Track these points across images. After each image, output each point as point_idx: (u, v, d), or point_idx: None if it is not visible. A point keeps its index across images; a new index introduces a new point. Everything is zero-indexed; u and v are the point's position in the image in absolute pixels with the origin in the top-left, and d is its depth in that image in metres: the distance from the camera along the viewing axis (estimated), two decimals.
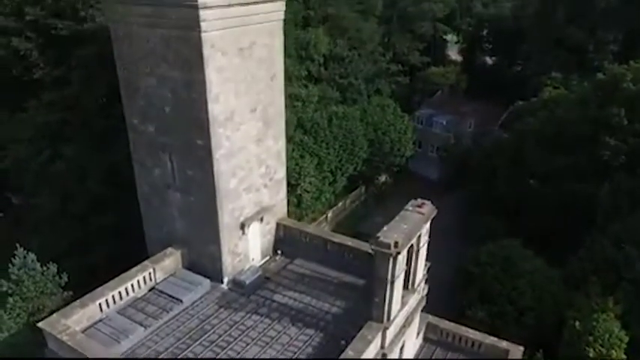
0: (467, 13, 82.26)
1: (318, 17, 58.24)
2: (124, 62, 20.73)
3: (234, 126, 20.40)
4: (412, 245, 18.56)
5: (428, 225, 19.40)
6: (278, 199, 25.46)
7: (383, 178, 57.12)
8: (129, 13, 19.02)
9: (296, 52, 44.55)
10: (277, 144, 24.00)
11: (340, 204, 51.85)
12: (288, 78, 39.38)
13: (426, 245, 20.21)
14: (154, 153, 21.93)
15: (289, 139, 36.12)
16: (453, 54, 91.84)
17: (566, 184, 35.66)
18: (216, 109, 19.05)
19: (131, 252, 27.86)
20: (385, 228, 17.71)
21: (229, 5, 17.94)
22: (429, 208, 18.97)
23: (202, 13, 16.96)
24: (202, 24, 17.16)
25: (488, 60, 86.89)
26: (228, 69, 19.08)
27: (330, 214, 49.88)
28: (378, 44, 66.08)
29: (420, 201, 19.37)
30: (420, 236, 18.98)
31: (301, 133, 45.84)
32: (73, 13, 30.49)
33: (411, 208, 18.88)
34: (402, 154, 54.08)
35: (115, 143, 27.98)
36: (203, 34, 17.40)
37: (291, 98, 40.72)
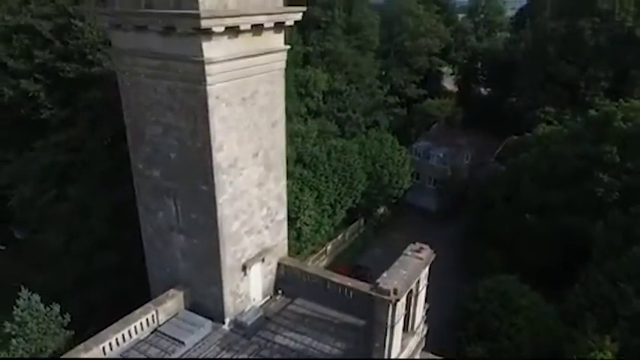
0: (462, 46, 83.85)
1: (317, 53, 59.62)
2: (131, 110, 21.29)
3: (237, 171, 20.85)
4: (411, 290, 18.80)
5: (427, 270, 19.67)
6: (279, 239, 25.79)
7: (381, 210, 57.45)
8: (136, 64, 19.64)
9: (296, 89, 45.39)
10: (278, 186, 24.44)
11: (339, 236, 52.05)
12: (288, 115, 40.19)
13: (425, 289, 20.45)
14: (159, 197, 22.32)
15: (289, 175, 36.64)
16: (449, 85, 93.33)
17: (561, 218, 36.03)
18: (219, 156, 19.52)
19: (133, 290, 28.10)
20: (385, 274, 17.97)
21: (233, 59, 18.57)
22: (427, 253, 19.28)
23: (208, 68, 17.57)
24: (208, 78, 17.75)
25: (483, 91, 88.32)
26: (232, 118, 19.64)
27: (329, 247, 50.03)
28: (375, 78, 67.38)
29: (418, 245, 19.69)
30: (419, 281, 19.24)
31: (301, 167, 46.38)
32: (80, 56, 31.29)
33: (409, 253, 19.19)
34: (400, 186, 54.57)
35: (120, 183, 28.40)
36: (208, 87, 17.98)
37: (291, 134, 41.41)
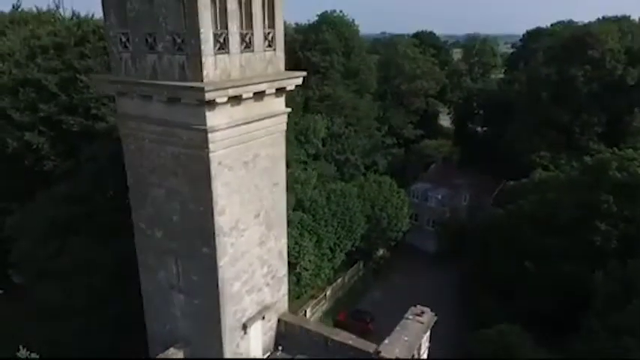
0: (457, 87, 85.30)
1: (317, 97, 60.47)
2: (134, 172, 21.38)
3: (238, 233, 20.80)
4: (413, 355, 18.52)
5: (428, 333, 19.43)
6: (279, 295, 25.53)
7: (380, 252, 57.16)
8: (141, 129, 19.83)
9: (295, 137, 45.78)
10: (279, 243, 24.36)
11: (339, 280, 51.59)
12: (288, 162, 40.46)
13: (426, 352, 20.16)
14: (160, 256, 22.19)
15: (289, 223, 36.61)
16: (446, 122, 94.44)
17: (560, 266, 35.83)
18: (221, 220, 19.51)
19: (133, 344, 27.66)
20: (386, 341, 17.74)
21: (235, 125, 18.79)
22: (428, 317, 19.08)
23: (211, 136, 17.75)
24: (210, 145, 17.91)
25: (480, 130, 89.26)
26: (234, 182, 19.72)
27: (329, 292, 49.51)
28: (373, 119, 68.16)
29: (419, 309, 19.51)
30: (420, 344, 18.98)
31: (300, 212, 46.35)
32: (85, 110, 31.69)
33: (411, 317, 18.99)
34: (399, 229, 54.48)
35: (122, 237, 28.27)
36: (211, 154, 18.12)
37: (290, 181, 41.54)
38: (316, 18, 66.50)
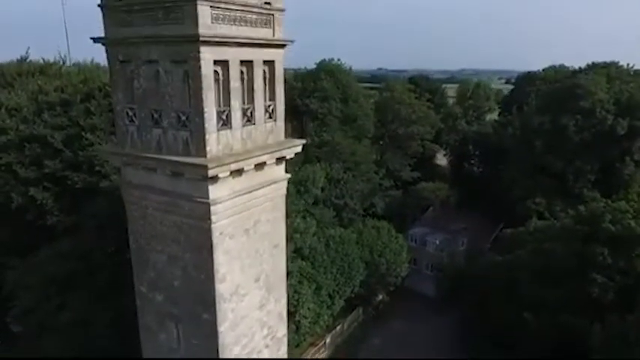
0: (452, 129, 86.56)
1: (315, 143, 61.36)
2: (137, 237, 21.64)
3: (238, 298, 20.92)
4: None
5: None
6: (279, 354, 25.42)
7: (380, 297, 56.84)
8: (145, 198, 20.22)
9: (295, 187, 46.24)
10: (279, 305, 24.43)
11: (338, 327, 51.14)
12: (287, 214, 40.82)
13: None
14: (161, 319, 22.22)
15: (288, 273, 36.64)
16: (443, 161, 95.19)
17: (559, 317, 35.70)
18: (222, 287, 19.67)
19: None
20: None
21: (237, 196, 19.20)
22: None
23: (213, 208, 18.12)
24: (213, 217, 18.26)
25: (476, 170, 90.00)
26: (235, 249, 19.97)
27: (328, 339, 49.01)
28: (371, 162, 68.95)
29: None
30: None
31: (299, 260, 46.38)
32: (89, 167, 32.19)
33: None
34: (398, 274, 54.44)
35: (123, 294, 28.32)
36: (213, 225, 18.44)
37: (290, 231, 41.75)
38: (315, 63, 68.40)
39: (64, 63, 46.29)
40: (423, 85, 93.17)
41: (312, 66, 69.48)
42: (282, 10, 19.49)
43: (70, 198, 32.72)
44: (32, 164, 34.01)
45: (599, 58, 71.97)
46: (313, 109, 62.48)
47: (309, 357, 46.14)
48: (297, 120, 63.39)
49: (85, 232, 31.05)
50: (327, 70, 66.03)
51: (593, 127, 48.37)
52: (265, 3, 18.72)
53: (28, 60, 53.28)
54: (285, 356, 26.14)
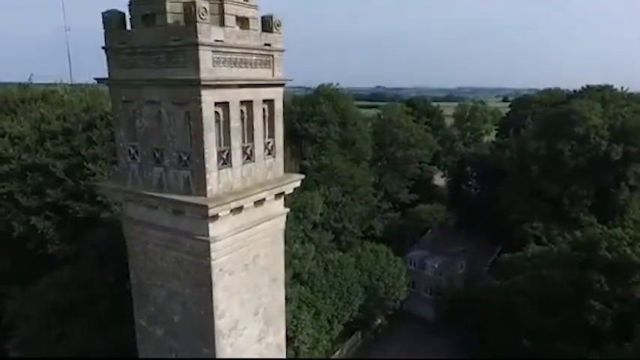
0: (450, 151, 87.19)
1: (314, 167, 61.73)
2: (137, 272, 21.73)
3: (237, 332, 20.92)
4: None
5: None
6: None
7: (378, 321, 56.61)
8: (145, 234, 20.36)
9: (294, 214, 46.43)
10: (278, 337, 24.39)
11: (337, 352, 50.84)
12: (286, 240, 40.93)
13: None
14: (160, 353, 22.18)
15: (287, 299, 36.61)
16: (441, 181, 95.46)
17: (557, 344, 35.60)
18: (221, 323, 19.70)
19: None
20: None
21: (236, 232, 19.38)
22: None
23: (213, 246, 18.26)
24: (212, 254, 18.38)
25: (474, 191, 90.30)
26: (234, 285, 20.05)
27: None
28: (370, 185, 69.24)
29: None
30: None
31: (298, 285, 46.33)
32: (90, 196, 32.36)
33: None
34: (397, 298, 54.33)
35: (123, 324, 28.28)
36: (213, 262, 18.56)
37: (288, 258, 41.79)
38: (309, 87, 69.19)
39: (66, 91, 46.62)
40: (421, 107, 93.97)
41: (311, 84, 70.37)
42: (282, 51, 19.94)
43: (71, 227, 32.83)
44: (34, 193, 34.19)
45: (597, 77, 72.91)
46: (312, 133, 63.03)
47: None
48: (296, 144, 63.85)
49: (85, 262, 31.09)
50: (326, 94, 66.78)
51: (588, 152, 48.80)
52: (265, 45, 19.16)
53: (30, 82, 54.01)
54: None
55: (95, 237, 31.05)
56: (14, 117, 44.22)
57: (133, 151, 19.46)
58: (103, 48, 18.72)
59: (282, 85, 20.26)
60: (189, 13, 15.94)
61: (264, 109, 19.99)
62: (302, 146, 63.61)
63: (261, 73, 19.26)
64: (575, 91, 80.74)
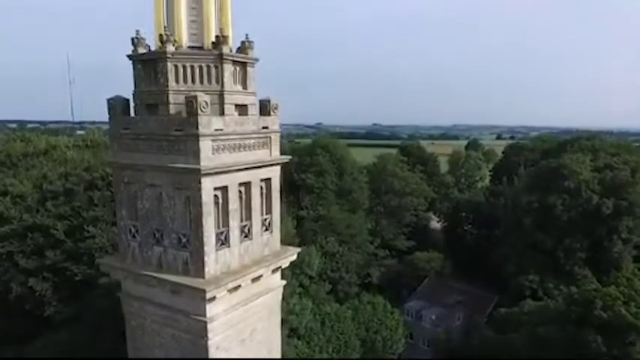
0: (445, 198, 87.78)
1: (311, 217, 62.08)
2: (135, 344, 21.60)
3: None
4: None
5: None
6: None
7: None
8: (143, 310, 20.40)
9: (291, 270, 46.47)
10: None
11: None
12: (283, 295, 40.83)
13: None
14: None
15: (284, 355, 36.16)
16: (437, 224, 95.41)
17: None
18: None
19: None
20: None
21: (233, 310, 19.49)
22: None
23: (210, 326, 18.33)
24: (209, 334, 18.41)
25: (470, 237, 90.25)
26: None
27: None
28: (366, 233, 69.38)
29: None
30: None
31: (295, 339, 45.84)
32: (89, 259, 32.50)
33: None
34: (394, 351, 53.61)
35: None
36: (209, 342, 18.60)
37: (285, 313, 41.54)
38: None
39: (68, 147, 47.37)
40: (416, 153, 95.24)
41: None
42: (279, 132, 20.64)
43: (69, 289, 32.85)
44: (33, 253, 34.36)
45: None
46: (309, 184, 63.68)
47: None
48: (293, 194, 64.47)
49: (83, 325, 30.92)
50: (323, 145, 67.82)
51: (580, 206, 49.36)
52: (263, 127, 19.86)
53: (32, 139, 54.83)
54: None
55: (93, 300, 30.97)
56: (16, 172, 44.84)
57: (133, 230, 19.80)
58: (108, 134, 19.37)
59: (279, 164, 20.85)
60: (191, 106, 16.64)
61: (261, 187, 20.52)
62: (299, 196, 64.15)
63: (259, 155, 19.86)
64: (565, 140, 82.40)
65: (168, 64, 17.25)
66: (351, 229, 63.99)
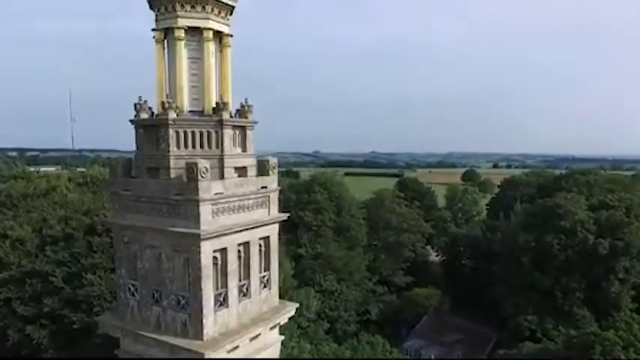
0: (443, 232, 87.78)
1: (309, 256, 61.98)
2: None
3: None
4: None
5: None
6: None
7: None
8: None
9: None
10: None
11: None
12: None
13: None
14: None
15: None
16: (435, 258, 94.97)
17: None
18: None
19: None
20: None
21: None
22: None
23: None
24: None
25: (468, 271, 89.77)
26: None
27: None
28: (365, 270, 69.10)
29: None
30: None
31: None
32: (87, 306, 32.30)
33: None
34: None
35: None
36: None
37: (283, 356, 41.03)
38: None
39: (69, 189, 47.58)
40: (413, 187, 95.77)
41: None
42: (277, 190, 20.90)
43: (67, 337, 32.51)
44: (31, 300, 34.13)
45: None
46: (308, 221, 63.75)
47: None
48: (292, 232, 64.44)
49: None
50: (321, 182, 68.20)
51: (577, 245, 49.44)
52: (262, 188, 20.12)
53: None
54: None
55: (90, 349, 30.65)
56: (17, 213, 44.93)
57: (132, 289, 19.79)
58: (111, 192, 19.63)
59: (277, 222, 21.02)
60: (192, 172, 16.93)
61: (260, 245, 20.64)
62: (298, 234, 64.13)
63: (258, 214, 20.03)
64: (561, 173, 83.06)
65: (170, 130, 17.62)
66: (350, 267, 63.84)
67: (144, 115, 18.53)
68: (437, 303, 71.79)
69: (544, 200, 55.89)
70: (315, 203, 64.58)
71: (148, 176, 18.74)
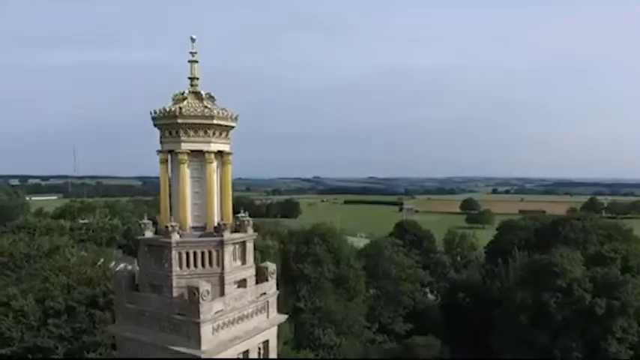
0: (442, 277, 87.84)
1: (308, 309, 61.85)
2: None
3: None
4: None
5: None
6: None
7: None
8: None
9: None
10: None
11: None
12: None
13: None
14: None
15: None
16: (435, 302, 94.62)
17: None
18: None
19: None
20: None
21: None
22: None
23: None
24: None
25: (467, 315, 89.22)
26: None
27: None
28: (364, 319, 68.86)
29: None
30: None
31: None
32: None
33: None
34: None
35: None
36: None
37: None
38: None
39: (72, 254, 48.04)
40: (411, 231, 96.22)
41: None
42: (276, 294, 21.48)
43: None
44: None
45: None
46: (307, 274, 63.82)
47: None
48: (290, 284, 64.46)
49: None
50: (319, 233, 68.56)
51: (574, 304, 49.61)
52: (261, 295, 20.72)
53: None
54: None
55: None
56: (19, 275, 45.38)
57: None
58: (114, 304, 20.19)
59: (275, 325, 21.52)
60: (193, 295, 17.55)
61: (259, 348, 21.10)
62: (296, 286, 64.09)
63: (257, 321, 20.55)
64: (558, 218, 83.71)
65: (173, 251, 18.32)
66: (349, 319, 63.65)
67: (148, 234, 19.26)
68: (437, 353, 71.19)
69: (540, 257, 56.26)
70: (313, 255, 64.75)
71: (151, 291, 19.34)
